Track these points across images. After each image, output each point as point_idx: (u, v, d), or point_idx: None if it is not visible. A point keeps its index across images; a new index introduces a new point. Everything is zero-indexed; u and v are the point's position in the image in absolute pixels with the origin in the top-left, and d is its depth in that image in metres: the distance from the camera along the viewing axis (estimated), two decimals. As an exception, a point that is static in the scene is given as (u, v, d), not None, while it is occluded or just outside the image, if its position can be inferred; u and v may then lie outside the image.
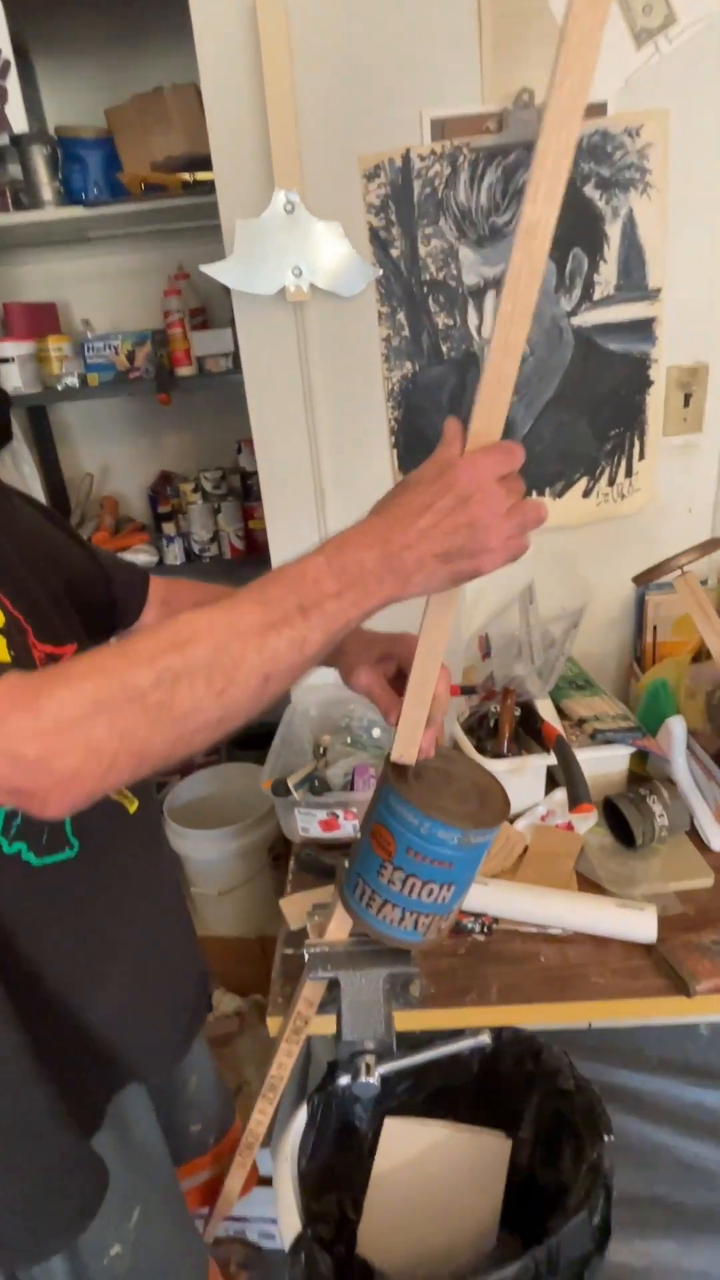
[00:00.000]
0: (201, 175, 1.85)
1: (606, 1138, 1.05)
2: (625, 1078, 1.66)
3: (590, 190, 1.26)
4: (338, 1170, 1.18)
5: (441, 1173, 1.23)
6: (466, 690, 1.33)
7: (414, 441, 1.39)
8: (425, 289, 1.31)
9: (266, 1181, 1.23)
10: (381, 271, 1.29)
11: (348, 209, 1.26)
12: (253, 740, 2.62)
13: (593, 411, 1.39)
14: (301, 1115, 1.13)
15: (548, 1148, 1.18)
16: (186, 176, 1.87)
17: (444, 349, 1.34)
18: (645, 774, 1.35)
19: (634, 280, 1.31)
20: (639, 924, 1.02)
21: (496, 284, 1.30)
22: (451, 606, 0.67)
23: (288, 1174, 1.05)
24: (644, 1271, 1.35)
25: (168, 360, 2.01)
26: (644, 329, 1.34)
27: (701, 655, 1.49)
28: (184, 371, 2.00)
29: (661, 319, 1.34)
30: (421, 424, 1.38)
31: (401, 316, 1.32)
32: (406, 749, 0.74)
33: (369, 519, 0.60)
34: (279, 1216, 1.02)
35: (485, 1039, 0.80)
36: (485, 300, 1.32)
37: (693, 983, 0.94)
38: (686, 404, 1.39)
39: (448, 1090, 1.28)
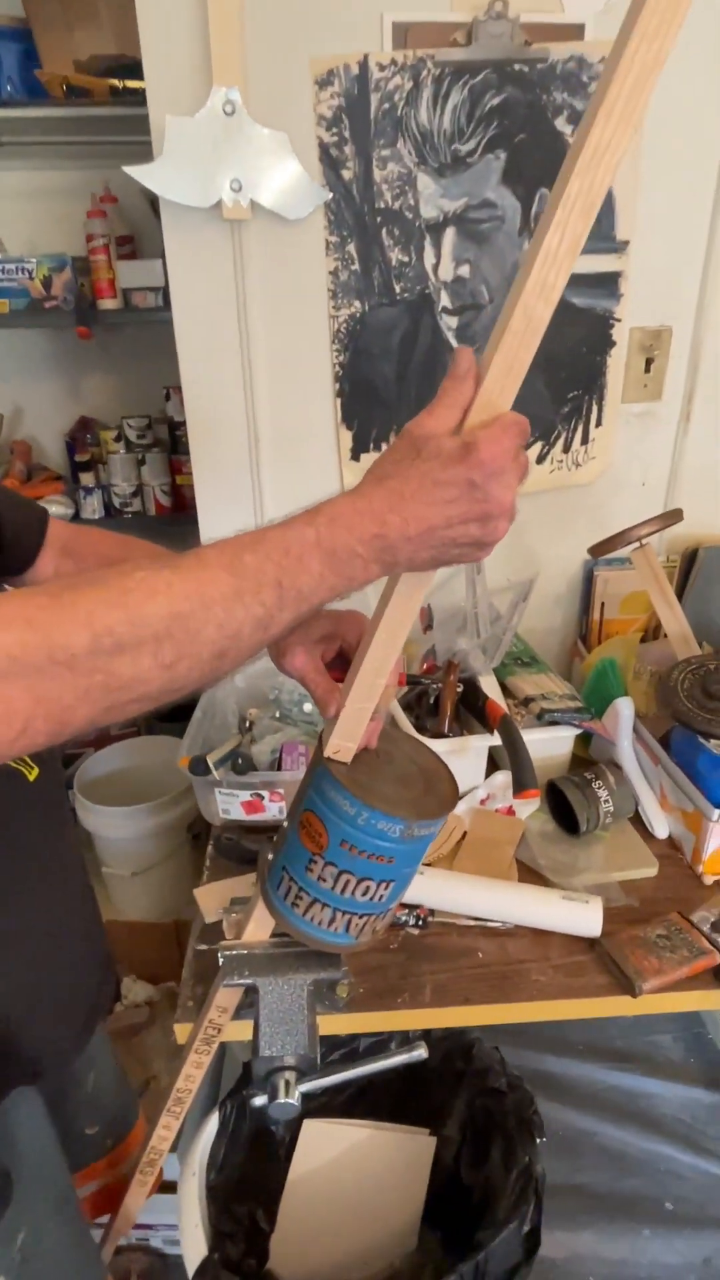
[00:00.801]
0: (132, 83, 1.66)
1: (539, 1140, 0.99)
2: (550, 1063, 1.63)
3: (562, 124, 1.15)
4: (251, 1179, 1.09)
5: (362, 1174, 1.16)
6: (414, 681, 1.23)
7: (360, 390, 1.27)
8: (379, 219, 1.18)
9: (170, 1187, 1.13)
10: (332, 195, 1.16)
11: (296, 119, 1.12)
12: (175, 712, 2.48)
13: (552, 370, 1.30)
14: (212, 1124, 1.03)
15: (475, 1147, 1.13)
16: (115, 83, 1.68)
17: (397, 288, 1.22)
18: (587, 757, 1.30)
19: (602, 230, 1.22)
20: (584, 918, 0.95)
21: (457, 219, 1.19)
22: (425, 588, 0.57)
23: (194, 1191, 0.96)
24: (564, 1263, 1.32)
25: (89, 290, 1.82)
26: (609, 284, 1.25)
27: (649, 635, 1.44)
28: (108, 304, 1.82)
29: (627, 275, 1.25)
30: (368, 370, 1.26)
31: (351, 248, 1.19)
32: (345, 745, 0.64)
33: (368, 488, 0.50)
34: (183, 1238, 0.93)
35: (421, 1052, 0.72)
36: (444, 238, 1.20)
37: (638, 981, 0.88)
38: (648, 369, 1.32)
39: (372, 1088, 1.20)
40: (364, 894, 0.66)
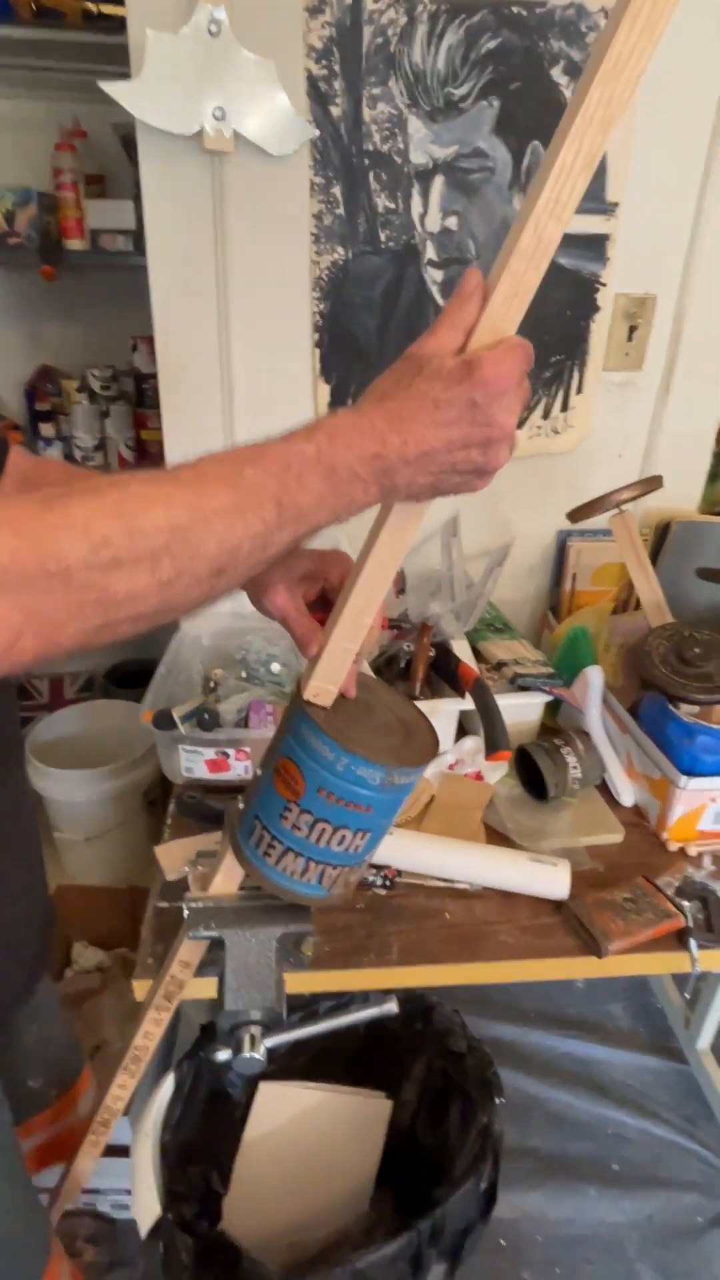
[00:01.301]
0: (108, 8, 1.57)
1: (498, 1101, 1.00)
2: (503, 1031, 1.65)
3: (558, 74, 1.12)
4: (205, 1141, 1.07)
5: (317, 1137, 1.15)
6: (394, 625, 1.21)
7: (340, 342, 1.24)
8: (367, 162, 1.14)
9: (120, 1151, 1.11)
10: (319, 132, 1.11)
11: (284, 48, 1.07)
12: (131, 677, 2.42)
13: (536, 332, 1.27)
14: (167, 1085, 1.01)
15: (432, 1109, 1.12)
16: (90, 5, 1.59)
17: (382, 236, 1.18)
18: (554, 725, 1.29)
19: (592, 189, 1.19)
20: (552, 880, 0.95)
21: (447, 168, 1.15)
22: (418, 521, 0.55)
23: (148, 1152, 0.93)
24: (512, 1223, 1.34)
25: (55, 229, 1.74)
26: (597, 246, 1.23)
27: (619, 608, 1.44)
28: (74, 245, 1.73)
29: (615, 239, 1.24)
30: (349, 321, 1.22)
31: (337, 191, 1.15)
32: (326, 687, 0.61)
33: (368, 406, 0.48)
34: (135, 1200, 0.90)
35: (392, 1007, 0.70)
36: (432, 186, 1.16)
37: (604, 943, 0.88)
38: (630, 338, 1.31)
39: (330, 1052, 1.19)
40: (339, 844, 0.64)
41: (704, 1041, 1.58)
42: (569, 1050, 1.63)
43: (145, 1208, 0.89)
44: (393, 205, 1.17)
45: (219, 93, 1.05)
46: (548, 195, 0.47)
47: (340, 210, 1.16)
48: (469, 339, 0.48)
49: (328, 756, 0.60)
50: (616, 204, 1.21)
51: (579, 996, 1.74)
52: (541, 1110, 1.51)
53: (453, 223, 1.18)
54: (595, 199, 1.20)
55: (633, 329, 1.30)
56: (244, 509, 0.45)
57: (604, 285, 1.26)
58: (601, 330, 1.30)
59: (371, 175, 1.14)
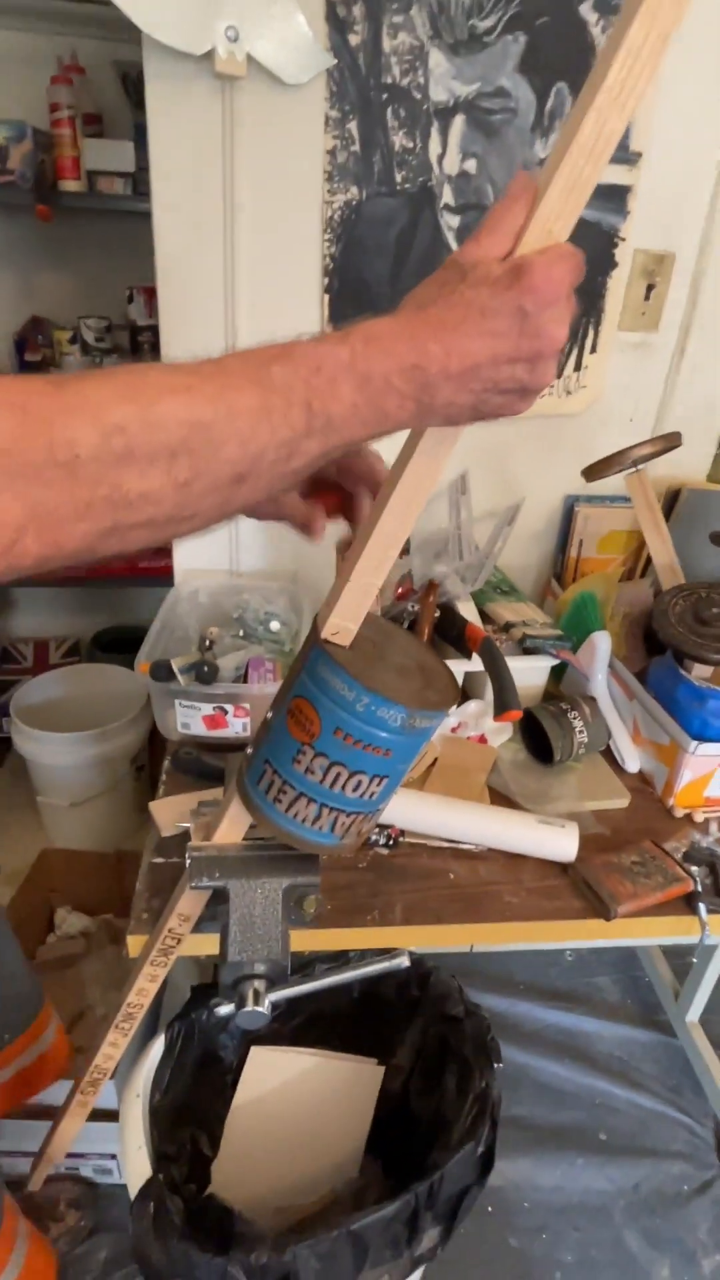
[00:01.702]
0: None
1: (496, 1065, 0.98)
2: (492, 1001, 1.64)
3: (587, 11, 1.07)
4: (194, 1104, 1.05)
5: (307, 1102, 1.13)
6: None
7: (351, 288, 1.19)
8: (385, 96, 1.09)
9: (104, 1116, 1.08)
10: (336, 61, 1.06)
11: (302, -32, 1.01)
12: (119, 643, 2.37)
13: (551, 287, 1.23)
14: (157, 1047, 0.98)
15: (426, 1075, 1.11)
16: (90, -71, 1.51)
17: (398, 177, 1.13)
18: (558, 692, 1.27)
19: (617, 136, 1.15)
20: (560, 842, 0.93)
21: (468, 106, 1.11)
22: (450, 446, 0.51)
23: (137, 1113, 0.91)
24: (499, 1190, 1.34)
25: (51, 168, 1.66)
26: (618, 198, 1.19)
27: (625, 576, 1.42)
28: (70, 186, 1.66)
29: (637, 191, 1.20)
30: (361, 266, 1.17)
31: (353, 127, 1.10)
32: (346, 625, 0.58)
33: (407, 314, 0.44)
34: (124, 1161, 0.88)
35: (403, 960, 0.68)
36: (452, 125, 1.11)
37: (613, 905, 0.86)
38: (647, 296, 1.27)
39: (322, 1017, 1.17)
40: (354, 789, 0.61)
41: (693, 1015, 1.58)
42: (558, 1022, 1.62)
43: (135, 1169, 0.86)
44: (410, 144, 1.12)
45: (233, 11, 0.99)
46: (614, 77, 0.43)
47: (355, 147, 1.11)
48: (517, 244, 0.44)
49: (346, 696, 0.57)
50: (640, 154, 1.17)
51: (568, 969, 1.74)
52: (530, 1080, 1.51)
53: (471, 166, 1.14)
54: (619, 147, 1.15)
55: (650, 288, 1.27)
56: (270, 410, 0.41)
57: (623, 240, 1.22)
58: (619, 288, 1.26)
59: (389, 111, 1.09)
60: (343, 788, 0.61)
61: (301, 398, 0.41)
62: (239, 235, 1.16)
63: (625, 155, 1.17)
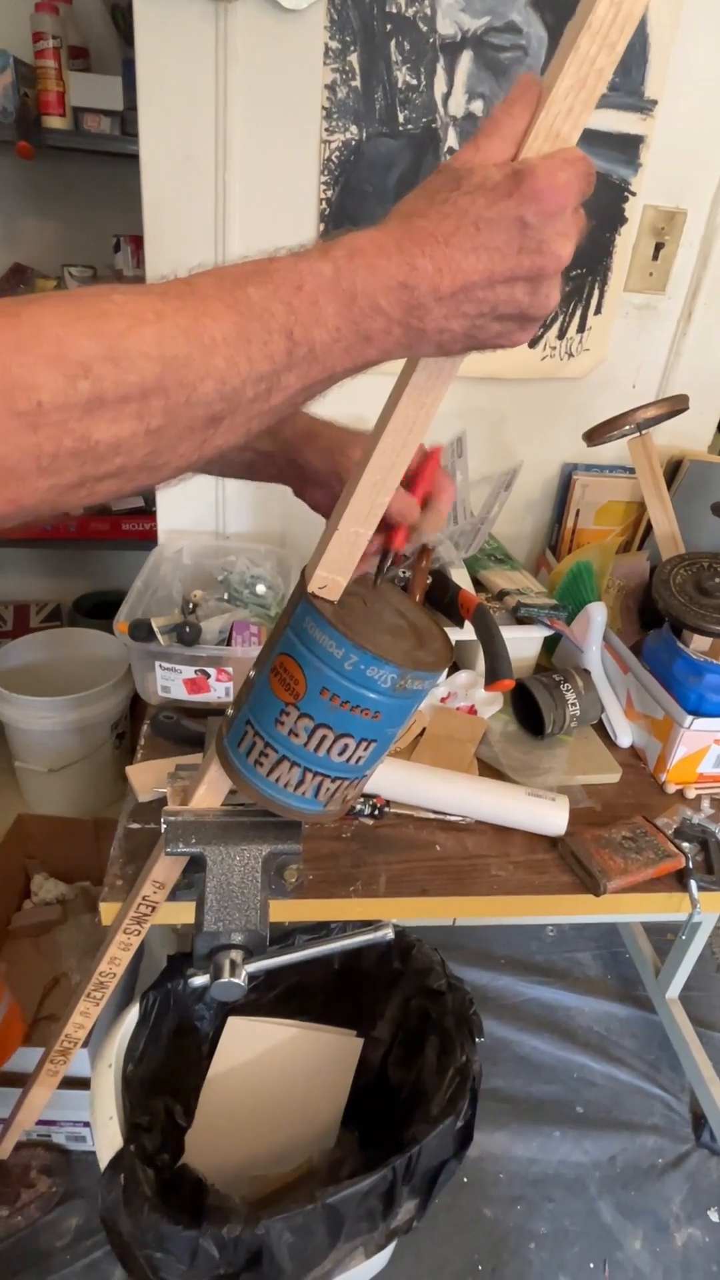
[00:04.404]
0: None
1: (478, 1039, 0.96)
2: (472, 975, 1.63)
3: (605, -58, 1.01)
4: (168, 1074, 1.03)
5: (284, 1073, 1.12)
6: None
7: (347, 235, 1.13)
8: (389, 27, 1.02)
9: (77, 1083, 1.06)
10: (337, -13, 0.99)
11: None
12: (101, 608, 2.32)
13: (557, 241, 1.18)
14: (131, 1016, 0.96)
15: (405, 1047, 1.09)
16: None
17: (400, 117, 1.07)
18: (549, 665, 1.24)
19: (631, 81, 1.09)
20: (549, 815, 0.90)
21: (476, 42, 1.04)
22: (446, 383, 0.47)
23: (109, 1083, 0.88)
24: (475, 1161, 1.33)
25: (34, 103, 1.57)
26: (630, 149, 1.14)
27: (622, 548, 1.39)
28: (55, 123, 1.58)
29: (650, 142, 1.14)
30: (358, 212, 1.12)
31: (353, 60, 1.03)
32: (334, 578, 0.54)
33: (395, 225, 0.39)
34: (95, 1131, 0.85)
35: (388, 933, 0.65)
36: (459, 63, 1.05)
37: (603, 880, 0.84)
38: (656, 256, 1.22)
39: (300, 988, 1.15)
40: (340, 754, 0.58)
41: (673, 991, 1.58)
42: (537, 996, 1.62)
43: (106, 1139, 0.84)
44: (414, 81, 1.06)
45: None
46: None
47: (356, 82, 1.05)
48: (520, 149, 0.39)
49: (335, 653, 0.53)
50: (655, 102, 1.11)
51: (549, 944, 1.74)
52: (509, 1053, 1.50)
53: (478, 107, 1.08)
54: (633, 93, 1.10)
55: (659, 247, 1.22)
56: (249, 340, 0.36)
57: (633, 194, 1.17)
58: (626, 245, 1.21)
59: (393, 44, 1.03)
60: (328, 751, 0.57)
61: (282, 324, 0.37)
62: (231, 177, 1.09)
63: (639, 102, 1.11)
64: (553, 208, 0.37)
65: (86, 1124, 1.26)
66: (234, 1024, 1.10)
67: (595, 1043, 1.54)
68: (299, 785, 0.59)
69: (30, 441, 0.31)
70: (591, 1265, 1.22)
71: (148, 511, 1.94)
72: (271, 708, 0.57)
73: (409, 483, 0.59)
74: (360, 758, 0.59)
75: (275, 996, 1.15)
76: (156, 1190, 0.83)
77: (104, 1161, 0.83)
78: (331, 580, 0.54)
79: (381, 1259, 1.16)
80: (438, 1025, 1.02)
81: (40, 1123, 1.24)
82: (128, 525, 2.03)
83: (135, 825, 0.87)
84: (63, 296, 0.33)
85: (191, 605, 1.21)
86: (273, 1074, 1.11)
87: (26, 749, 1.79)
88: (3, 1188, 1.20)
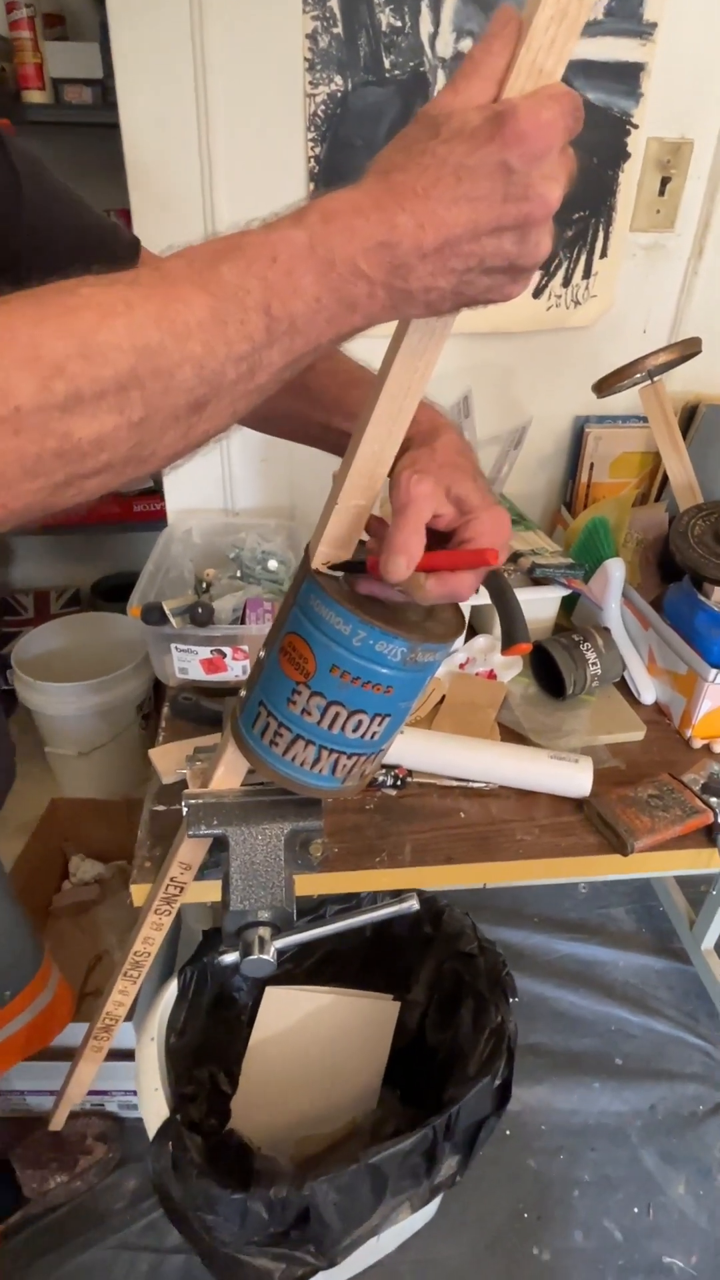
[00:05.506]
0: None
1: (512, 1000, 0.97)
2: (506, 934, 1.64)
3: None
4: (211, 1044, 1.05)
5: (324, 1038, 1.14)
6: None
7: (338, 193, 1.09)
8: (368, -34, 0.98)
9: (126, 1055, 1.09)
10: None
11: None
12: (119, 591, 2.33)
13: (557, 184, 1.13)
14: (170, 991, 0.98)
15: (441, 1009, 1.11)
16: None
17: (386, 62, 1.03)
18: (568, 625, 1.22)
19: (629, 4, 1.04)
20: (573, 777, 0.89)
21: (461, -25, 0.99)
22: (439, 345, 0.45)
23: (153, 1056, 0.91)
24: (516, 1115, 1.36)
25: (13, 79, 1.54)
26: (630, 79, 1.08)
27: (639, 501, 1.35)
28: (35, 97, 1.54)
29: (651, 70, 1.08)
30: (348, 169, 1.08)
31: (334, 4, 0.99)
32: (337, 553, 0.53)
33: (371, 182, 0.37)
34: (142, 1103, 0.88)
35: (413, 904, 0.65)
36: (444, 1, 1.00)
37: (630, 840, 0.83)
38: (662, 191, 1.17)
39: (335, 955, 1.17)
40: (355, 730, 0.57)
41: (708, 942, 1.58)
42: (572, 952, 1.63)
43: (152, 1110, 0.87)
44: (398, 23, 1.01)
45: None
46: None
47: (338, 29, 1.00)
48: (501, 90, 0.37)
49: (342, 630, 0.53)
50: (655, 25, 1.05)
51: (582, 901, 1.74)
52: (546, 1009, 1.52)
53: (467, 46, 1.03)
54: (631, 17, 1.05)
55: (665, 181, 1.17)
56: (225, 321, 0.35)
57: (635, 127, 1.12)
58: (630, 182, 1.16)
59: (374, -16, 0.98)
60: (342, 728, 0.57)
61: (258, 300, 0.35)
62: (215, 139, 1.06)
63: (638, 26, 1.05)
64: (537, 149, 0.35)
65: (136, 1092, 1.30)
66: (272, 993, 1.13)
67: (632, 996, 1.55)
68: (315, 763, 0.59)
69: (11, 446, 0.31)
70: (635, 1210, 1.25)
71: (158, 492, 1.93)
72: (283, 687, 0.56)
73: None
74: (375, 733, 0.58)
75: (311, 965, 1.17)
76: (205, 1156, 0.86)
77: (151, 1131, 0.85)
78: (335, 556, 0.53)
79: (429, 1210, 1.19)
80: (471, 988, 1.03)
81: (94, 1092, 1.29)
82: (139, 507, 2.02)
83: (160, 807, 0.88)
84: (29, 296, 0.32)
85: (205, 585, 1.21)
86: (313, 1040, 1.14)
87: (55, 734, 1.82)
88: (62, 1155, 1.25)
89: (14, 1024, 0.96)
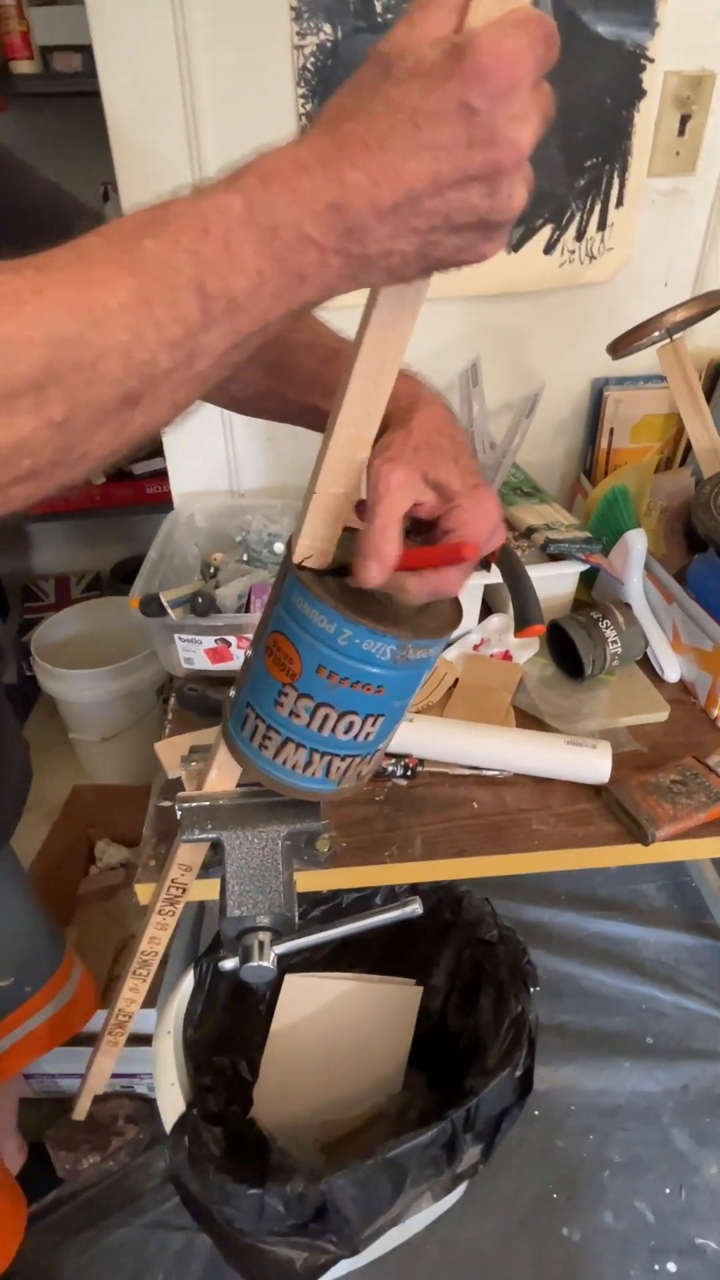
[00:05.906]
0: None
1: (532, 989, 0.95)
2: (533, 913, 1.62)
3: None
4: (231, 1033, 1.05)
5: (346, 1025, 1.13)
6: None
7: (333, 152, 1.03)
8: None
9: (148, 1040, 1.10)
10: None
11: None
12: (137, 573, 2.32)
13: (568, 128, 1.06)
14: (186, 983, 0.97)
15: (463, 995, 1.09)
16: None
17: (377, 6, 0.96)
18: (589, 600, 1.17)
19: None
20: (591, 763, 0.86)
21: None
22: (413, 315, 0.41)
23: (169, 1050, 0.90)
24: (545, 1095, 1.35)
25: (0, 51, 1.49)
26: (643, 7, 1.00)
27: (662, 465, 1.29)
28: (24, 68, 1.49)
29: (666, -4, 1.00)
30: (343, 124, 1.01)
31: (319, -55, 0.93)
32: (319, 546, 0.49)
33: (318, 136, 0.32)
34: (159, 1097, 0.88)
35: (416, 908, 0.63)
36: (438, -69, 0.93)
37: (651, 829, 0.80)
38: (682, 131, 1.09)
39: (355, 943, 1.16)
40: (346, 731, 0.54)
41: (742, 919, 1.54)
42: (601, 930, 1.60)
43: (169, 1104, 0.87)
44: (389, -39, 0.94)
45: None
46: None
47: (324, -28, 0.94)
48: (463, 20, 0.31)
49: (326, 629, 0.49)
50: (669, -56, 0.97)
51: (611, 878, 1.71)
52: (574, 987, 1.50)
53: (464, -18, 0.96)
54: (643, -62, 0.96)
55: (685, 119, 1.08)
56: (150, 302, 0.30)
57: (651, 61, 1.03)
58: (647, 123, 1.08)
59: None
60: (333, 730, 0.54)
61: (189, 278, 0.31)
62: (200, 98, 1.01)
63: (651, -52, 0.97)
64: (503, 85, 0.30)
65: (164, 1076, 1.31)
66: (291, 981, 1.12)
67: (663, 974, 1.52)
68: (307, 766, 0.56)
69: None
70: (667, 1191, 1.23)
71: (162, 472, 1.90)
72: (269, 689, 0.54)
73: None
74: (369, 734, 0.55)
75: (331, 952, 1.16)
76: (223, 1148, 0.86)
77: (169, 1125, 0.85)
78: (317, 549, 0.50)
79: (453, 1195, 1.19)
80: (492, 976, 1.01)
81: (123, 1075, 1.31)
82: (152, 489, 2.00)
83: (166, 803, 0.87)
84: None
85: (213, 570, 1.19)
86: (334, 1026, 1.13)
87: (77, 720, 1.83)
88: (95, 1136, 1.27)
89: (36, 1018, 0.97)
